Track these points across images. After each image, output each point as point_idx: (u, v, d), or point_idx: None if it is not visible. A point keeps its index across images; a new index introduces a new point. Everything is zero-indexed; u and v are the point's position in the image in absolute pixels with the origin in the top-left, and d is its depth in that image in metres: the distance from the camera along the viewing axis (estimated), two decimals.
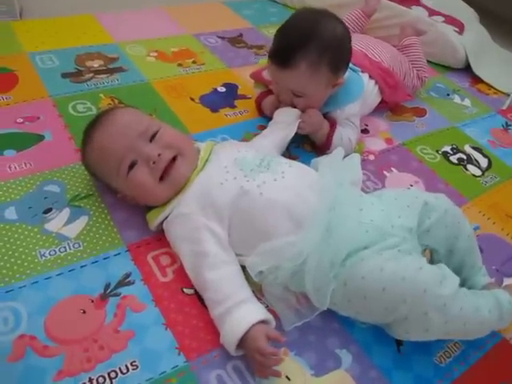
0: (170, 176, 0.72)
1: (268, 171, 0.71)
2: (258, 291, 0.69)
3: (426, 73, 1.26)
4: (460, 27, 1.56)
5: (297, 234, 0.66)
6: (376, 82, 1.10)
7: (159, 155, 0.70)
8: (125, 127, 0.73)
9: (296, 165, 0.77)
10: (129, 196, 0.76)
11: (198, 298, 0.68)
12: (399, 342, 0.69)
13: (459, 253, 0.73)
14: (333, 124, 0.97)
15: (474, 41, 1.53)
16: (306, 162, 0.82)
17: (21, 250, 0.71)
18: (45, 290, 0.66)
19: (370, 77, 1.08)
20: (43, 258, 0.70)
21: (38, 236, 0.73)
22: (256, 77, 1.13)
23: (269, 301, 0.68)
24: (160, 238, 0.75)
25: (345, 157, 0.80)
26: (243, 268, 0.68)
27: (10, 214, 0.76)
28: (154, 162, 0.70)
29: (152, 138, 0.72)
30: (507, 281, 0.82)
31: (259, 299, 0.68)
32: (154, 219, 0.74)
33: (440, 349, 0.70)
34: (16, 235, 0.73)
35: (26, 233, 0.73)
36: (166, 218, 0.72)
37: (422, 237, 0.72)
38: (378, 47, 1.17)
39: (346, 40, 0.93)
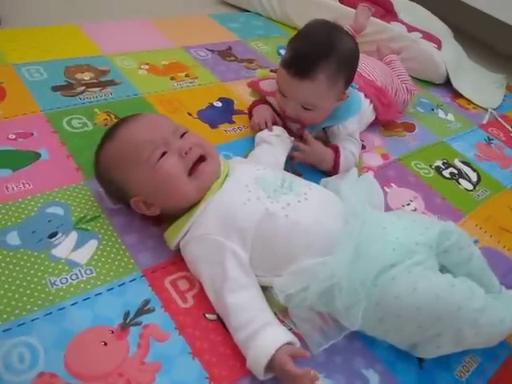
0: (198, 172, 0.70)
1: (291, 192, 0.71)
2: (280, 313, 0.68)
3: (412, 86, 1.30)
4: (438, 43, 1.62)
5: (323, 255, 0.66)
6: (371, 101, 1.11)
7: (190, 149, 0.70)
8: (157, 123, 0.74)
9: (313, 186, 0.77)
10: (147, 199, 0.71)
11: (222, 323, 0.66)
12: (421, 358, 0.70)
13: (476, 274, 0.74)
14: (336, 149, 0.96)
15: (452, 56, 1.59)
16: (309, 178, 0.82)
17: (29, 278, 0.66)
18: (60, 322, 0.62)
19: (365, 96, 1.10)
20: (54, 286, 0.66)
21: (46, 263, 0.69)
22: (253, 86, 1.12)
23: (295, 323, 0.67)
24: (175, 261, 0.73)
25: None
26: (263, 289, 0.67)
27: (13, 239, 0.71)
28: (186, 153, 0.70)
29: (181, 137, 0.73)
30: None
31: (282, 322, 0.67)
32: (173, 237, 0.71)
33: (458, 363, 0.71)
34: (22, 262, 0.68)
35: (33, 259, 0.69)
36: (185, 235, 0.70)
37: (439, 257, 0.72)
38: (370, 65, 1.19)
39: (358, 55, 0.95)
